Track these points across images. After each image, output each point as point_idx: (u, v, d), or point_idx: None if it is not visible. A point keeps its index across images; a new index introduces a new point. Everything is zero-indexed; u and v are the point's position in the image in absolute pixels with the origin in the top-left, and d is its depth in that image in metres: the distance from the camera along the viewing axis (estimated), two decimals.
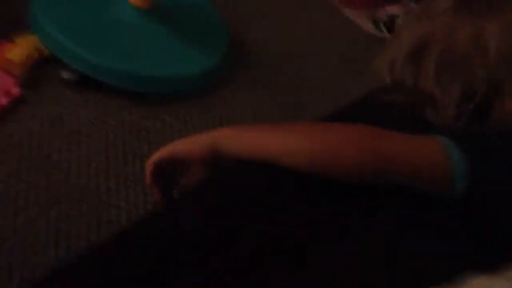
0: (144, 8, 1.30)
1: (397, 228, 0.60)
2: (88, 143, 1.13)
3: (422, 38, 0.68)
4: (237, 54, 1.44)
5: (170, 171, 0.69)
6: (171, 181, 0.70)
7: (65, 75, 1.21)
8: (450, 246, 0.58)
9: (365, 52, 1.49)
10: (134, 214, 1.03)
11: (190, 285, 0.53)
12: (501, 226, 0.57)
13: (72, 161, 1.07)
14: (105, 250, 0.58)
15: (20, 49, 1.16)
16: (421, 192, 0.59)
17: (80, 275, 0.55)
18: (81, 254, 0.61)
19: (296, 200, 0.60)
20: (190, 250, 0.55)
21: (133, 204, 1.05)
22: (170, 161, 0.67)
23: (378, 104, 0.71)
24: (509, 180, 0.57)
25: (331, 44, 1.55)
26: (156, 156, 0.68)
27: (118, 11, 1.30)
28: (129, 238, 0.59)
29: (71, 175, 1.05)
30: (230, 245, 0.54)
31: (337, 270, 0.56)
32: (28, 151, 1.06)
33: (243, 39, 1.50)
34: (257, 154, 0.59)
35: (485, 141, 0.59)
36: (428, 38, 0.67)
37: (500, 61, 0.63)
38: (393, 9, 1.59)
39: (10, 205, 0.96)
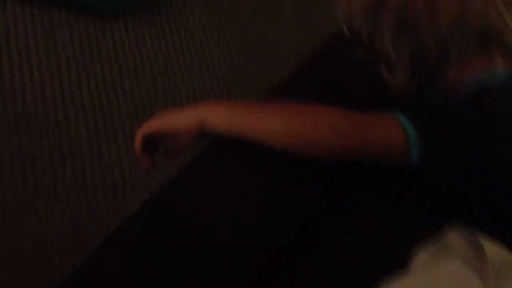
0: None
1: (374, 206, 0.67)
2: (39, 64, 1.09)
3: None
4: None
5: (158, 141, 0.70)
6: (157, 149, 0.71)
7: None
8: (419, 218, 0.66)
9: None
10: (96, 144, 1.06)
11: None
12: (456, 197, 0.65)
13: (26, 87, 1.05)
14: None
15: None
16: (378, 165, 0.65)
17: None
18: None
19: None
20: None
21: (94, 132, 1.07)
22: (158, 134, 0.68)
23: (339, 61, 0.75)
24: (458, 150, 0.64)
25: None
26: (144, 130, 0.67)
27: None
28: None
29: (27, 104, 1.03)
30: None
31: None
32: None
33: None
34: (244, 134, 0.63)
35: (436, 113, 0.65)
36: None
37: (448, 28, 0.64)
38: None
39: None
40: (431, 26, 0.65)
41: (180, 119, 0.65)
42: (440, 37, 0.66)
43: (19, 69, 1.05)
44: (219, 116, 0.64)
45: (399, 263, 0.56)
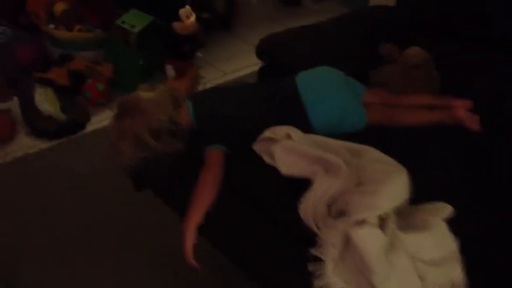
0: None
1: None
2: None
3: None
4: None
5: None
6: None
7: None
8: None
9: None
10: None
11: None
12: None
13: None
14: None
15: None
16: None
17: None
18: None
19: None
20: None
21: None
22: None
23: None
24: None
25: None
26: (188, 254, 1.26)
27: None
28: None
29: None
30: None
31: None
32: None
33: None
34: (202, 217, 1.27)
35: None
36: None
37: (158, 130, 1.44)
38: None
39: None
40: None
41: (190, 238, 1.25)
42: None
43: None
44: (192, 222, 1.27)
45: None
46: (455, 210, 1.14)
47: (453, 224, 1.12)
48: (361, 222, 1.03)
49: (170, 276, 1.67)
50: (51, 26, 2.52)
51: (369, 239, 1.00)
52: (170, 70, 2.55)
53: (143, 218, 1.88)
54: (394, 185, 1.08)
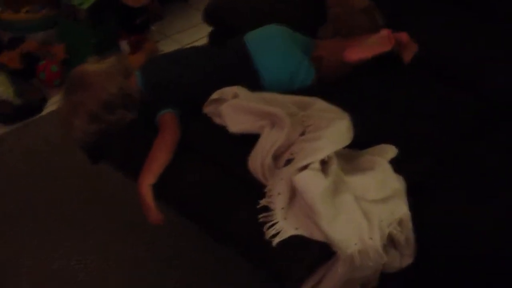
0: None
1: None
2: None
3: None
4: None
5: None
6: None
7: None
8: None
9: None
10: None
11: None
12: None
13: None
14: None
15: None
16: None
17: None
18: None
19: None
20: None
21: None
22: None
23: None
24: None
25: None
26: (152, 207, 1.26)
27: None
28: None
29: None
30: None
31: None
32: None
33: None
34: (157, 177, 1.27)
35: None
36: None
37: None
38: None
39: None
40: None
41: (148, 196, 1.26)
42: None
43: None
44: (148, 181, 1.26)
45: None
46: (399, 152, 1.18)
47: (398, 164, 1.15)
48: (304, 168, 1.05)
49: (131, 242, 1.70)
50: None
51: (311, 182, 1.02)
52: (124, 45, 2.52)
53: (102, 189, 1.90)
54: (335, 130, 1.10)
